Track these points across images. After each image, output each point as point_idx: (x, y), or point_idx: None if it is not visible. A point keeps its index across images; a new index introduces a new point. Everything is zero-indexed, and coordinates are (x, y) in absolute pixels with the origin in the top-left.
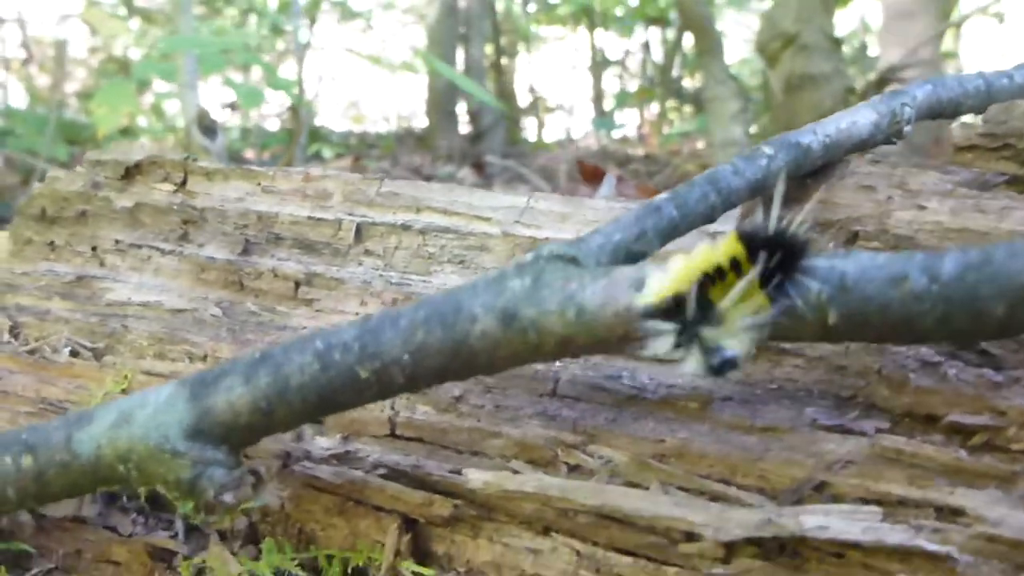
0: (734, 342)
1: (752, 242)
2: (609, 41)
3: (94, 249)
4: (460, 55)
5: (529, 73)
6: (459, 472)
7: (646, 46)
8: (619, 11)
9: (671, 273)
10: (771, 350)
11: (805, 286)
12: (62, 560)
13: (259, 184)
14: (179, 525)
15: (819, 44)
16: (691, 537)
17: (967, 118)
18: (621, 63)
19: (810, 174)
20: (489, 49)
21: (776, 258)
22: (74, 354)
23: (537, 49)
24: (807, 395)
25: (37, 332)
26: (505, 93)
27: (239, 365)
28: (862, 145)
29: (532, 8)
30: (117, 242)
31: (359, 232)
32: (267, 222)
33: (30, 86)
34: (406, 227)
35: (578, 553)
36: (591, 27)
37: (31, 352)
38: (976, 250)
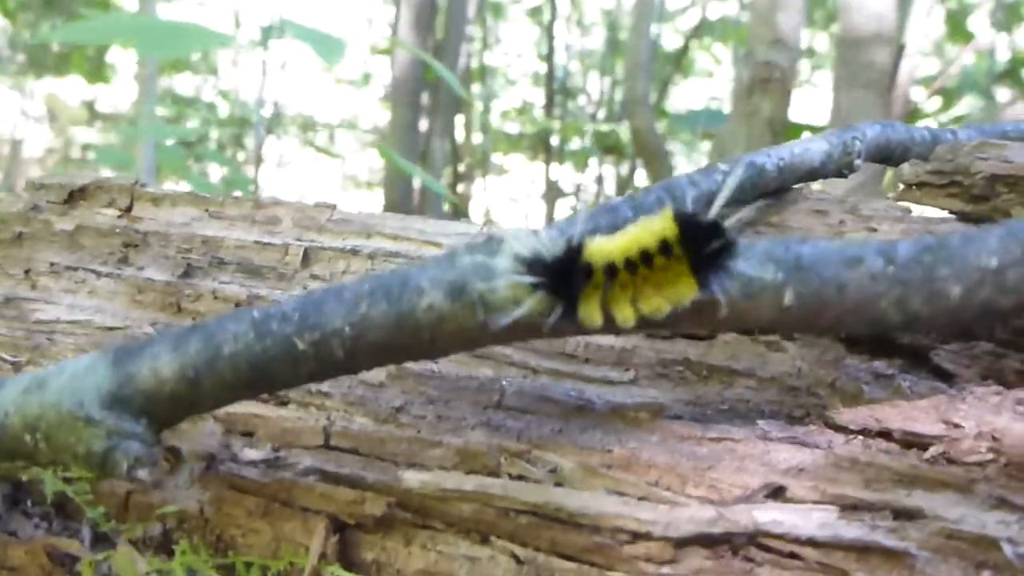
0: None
1: (687, 226)
2: (564, 174)
3: (27, 272)
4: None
5: (484, 197)
6: (395, 478)
7: (599, 179)
8: (575, 143)
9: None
10: (722, 371)
11: (728, 282)
12: None
13: (207, 210)
14: (86, 532)
15: None
16: (638, 538)
17: None
18: (575, 194)
19: (763, 197)
20: (448, 171)
21: (708, 245)
22: None
23: (494, 176)
24: (759, 415)
25: None
26: (459, 214)
27: (169, 335)
28: (814, 173)
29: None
30: (52, 264)
31: (307, 256)
32: (212, 246)
33: None
34: (355, 252)
35: (518, 559)
36: (547, 160)
37: None
38: (931, 236)
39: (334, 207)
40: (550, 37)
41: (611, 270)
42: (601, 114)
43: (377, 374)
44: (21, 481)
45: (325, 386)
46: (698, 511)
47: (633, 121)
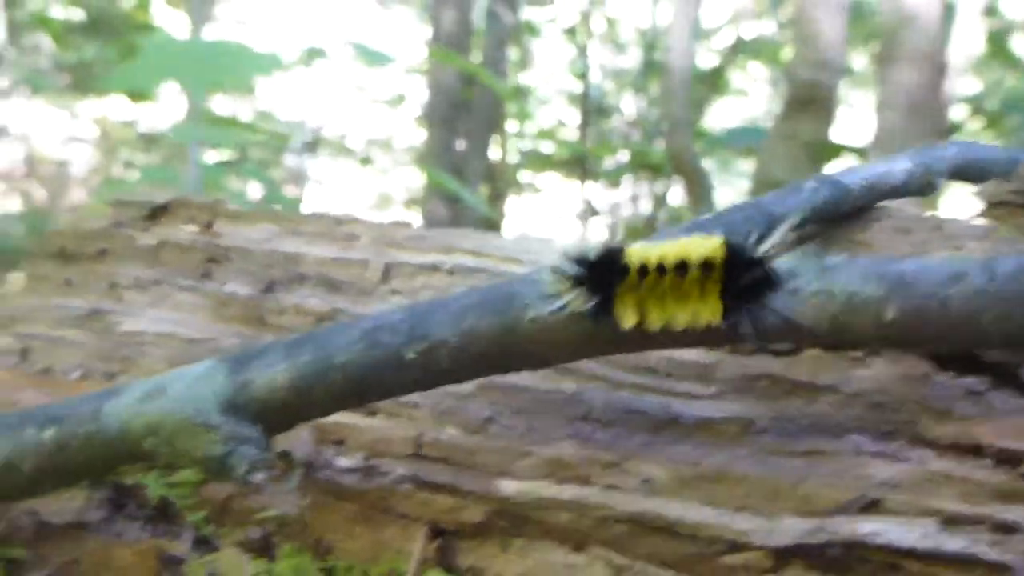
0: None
1: (734, 255)
2: (599, 192)
3: (111, 286)
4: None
5: (519, 217)
6: (490, 486)
7: (634, 198)
8: (609, 162)
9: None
10: (806, 386)
11: (762, 317)
12: (59, 569)
13: (287, 226)
14: (187, 535)
15: None
16: (736, 548)
17: None
18: (610, 212)
19: (847, 216)
20: (482, 190)
21: (747, 280)
22: (85, 377)
23: (528, 194)
24: (845, 430)
25: (48, 357)
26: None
27: (281, 344)
28: (896, 192)
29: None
30: (136, 279)
31: (387, 272)
32: (293, 262)
33: (27, 199)
34: (435, 267)
35: (614, 567)
36: (582, 178)
37: (43, 372)
38: None
39: (410, 225)
40: (585, 56)
41: (643, 271)
42: (636, 134)
43: (466, 386)
44: (123, 485)
45: (415, 397)
46: (797, 522)
47: (670, 141)
